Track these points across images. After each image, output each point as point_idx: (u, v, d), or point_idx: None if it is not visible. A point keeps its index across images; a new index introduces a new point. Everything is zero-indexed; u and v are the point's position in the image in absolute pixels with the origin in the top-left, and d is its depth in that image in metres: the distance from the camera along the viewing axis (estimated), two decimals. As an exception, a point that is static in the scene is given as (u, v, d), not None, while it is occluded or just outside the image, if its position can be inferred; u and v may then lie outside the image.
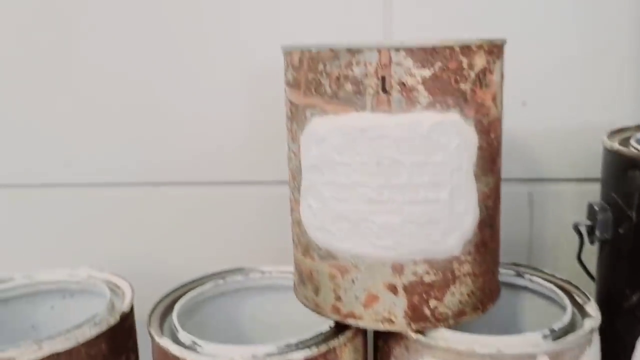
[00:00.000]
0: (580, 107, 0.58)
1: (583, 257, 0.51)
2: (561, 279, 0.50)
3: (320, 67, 0.41)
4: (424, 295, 0.42)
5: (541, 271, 0.51)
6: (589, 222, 0.46)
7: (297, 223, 0.46)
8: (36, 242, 0.69)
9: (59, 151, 0.66)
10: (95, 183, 0.67)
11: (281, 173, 0.54)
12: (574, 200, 0.60)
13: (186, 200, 0.66)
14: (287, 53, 0.44)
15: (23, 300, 0.56)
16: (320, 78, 0.41)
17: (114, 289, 0.54)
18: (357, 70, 0.39)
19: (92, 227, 0.68)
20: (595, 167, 0.58)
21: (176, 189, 0.66)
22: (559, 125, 0.59)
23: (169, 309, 0.50)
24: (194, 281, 0.54)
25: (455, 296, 0.43)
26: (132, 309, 0.51)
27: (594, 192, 0.57)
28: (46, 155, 0.67)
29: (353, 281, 0.43)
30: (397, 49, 0.38)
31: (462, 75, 0.39)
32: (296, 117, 0.44)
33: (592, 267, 0.52)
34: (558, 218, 0.60)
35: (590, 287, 0.50)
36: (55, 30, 0.63)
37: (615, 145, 0.44)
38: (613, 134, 0.48)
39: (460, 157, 0.40)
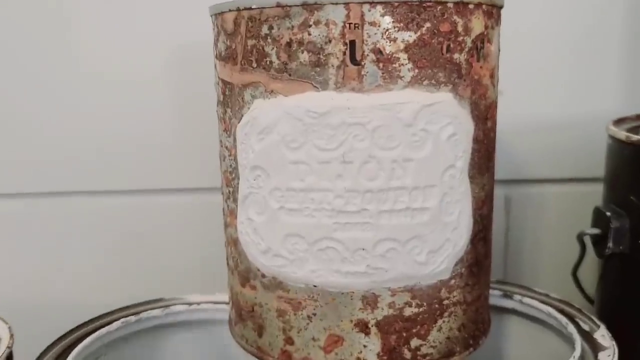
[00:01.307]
0: (565, 98, 0.50)
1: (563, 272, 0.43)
2: (558, 300, 0.41)
3: (264, 30, 0.30)
4: (404, 334, 0.32)
5: (532, 290, 0.43)
6: (597, 231, 0.38)
7: (233, 242, 0.35)
8: None
9: None
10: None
11: (214, 178, 0.43)
12: (558, 204, 0.52)
13: (89, 212, 0.53)
14: (218, 14, 0.32)
15: None
16: (264, 46, 0.30)
17: (-14, 333, 0.40)
18: (315, 33, 0.29)
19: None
20: (584, 166, 0.51)
21: (76, 199, 0.52)
22: (541, 118, 0.51)
23: (63, 357, 0.38)
24: (97, 319, 0.42)
25: (442, 332, 0.33)
26: (10, 360, 0.38)
27: (585, 195, 0.49)
28: None
29: (309, 318, 0.33)
30: (372, 3, 0.28)
31: (457, 42, 0.29)
32: (231, 100, 0.33)
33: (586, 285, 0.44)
34: (538, 225, 0.52)
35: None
36: None
37: (635, 137, 0.35)
38: (617, 123, 0.40)
39: (455, 152, 0.30)
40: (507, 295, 0.42)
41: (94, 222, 0.53)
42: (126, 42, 0.50)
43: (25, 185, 0.52)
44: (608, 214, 0.36)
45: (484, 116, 0.32)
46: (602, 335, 0.37)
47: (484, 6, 0.30)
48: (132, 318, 0.42)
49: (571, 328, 0.37)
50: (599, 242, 0.38)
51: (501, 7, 0.32)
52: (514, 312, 0.42)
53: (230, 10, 0.31)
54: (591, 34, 0.49)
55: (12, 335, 0.40)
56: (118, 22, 0.49)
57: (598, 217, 0.38)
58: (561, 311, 0.40)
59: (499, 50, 0.33)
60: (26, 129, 0.51)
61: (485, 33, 0.31)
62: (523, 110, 0.51)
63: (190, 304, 0.44)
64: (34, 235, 0.53)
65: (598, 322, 0.37)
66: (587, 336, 0.37)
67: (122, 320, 0.42)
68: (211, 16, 0.33)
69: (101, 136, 0.51)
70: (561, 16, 0.49)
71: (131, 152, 0.52)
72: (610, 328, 0.37)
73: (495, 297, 0.42)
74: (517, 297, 0.42)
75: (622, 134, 0.36)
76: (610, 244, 0.36)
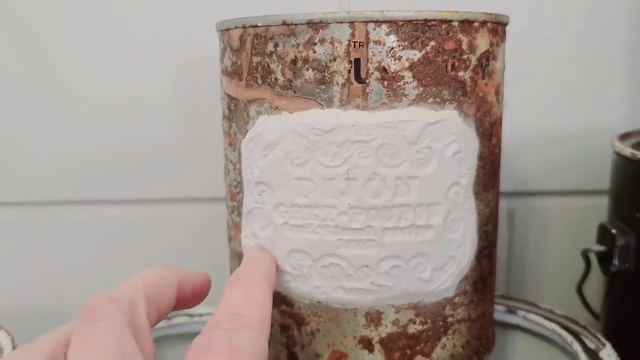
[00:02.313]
0: (570, 109, 0.50)
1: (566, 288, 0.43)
2: (563, 316, 0.41)
3: (270, 47, 0.30)
4: (408, 351, 0.32)
5: (536, 306, 0.42)
6: (602, 248, 0.37)
7: (237, 256, 0.35)
8: None
9: None
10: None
11: (218, 189, 0.43)
12: (563, 217, 0.51)
13: (92, 221, 0.53)
14: (224, 31, 0.33)
15: None
16: (269, 62, 0.30)
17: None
18: (321, 51, 0.29)
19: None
20: (589, 178, 0.50)
21: (81, 208, 0.53)
22: (546, 130, 0.50)
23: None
24: (100, 331, 0.42)
25: (446, 349, 0.33)
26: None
27: (590, 208, 0.49)
28: None
29: (313, 334, 0.32)
30: (377, 22, 0.28)
31: (461, 60, 0.29)
32: (236, 116, 0.33)
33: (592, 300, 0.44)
34: (542, 238, 0.52)
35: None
36: None
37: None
38: (622, 138, 0.40)
39: (459, 169, 0.30)
40: (511, 311, 0.42)
41: (97, 232, 0.53)
42: (135, 54, 0.50)
43: (29, 194, 0.52)
44: (613, 231, 0.36)
45: (489, 133, 0.32)
46: (608, 354, 0.36)
47: (489, 24, 0.30)
48: (136, 330, 0.42)
49: (576, 346, 0.37)
50: (604, 258, 0.38)
51: (506, 24, 0.32)
52: (518, 327, 0.42)
53: (236, 27, 0.31)
54: (596, 45, 0.49)
55: (15, 347, 0.40)
56: (126, 34, 0.50)
57: (603, 234, 0.38)
58: (566, 328, 0.39)
59: (504, 67, 0.33)
60: (30, 136, 0.52)
61: (490, 50, 0.31)
62: (527, 122, 0.50)
63: (192, 315, 0.44)
64: (36, 245, 0.53)
65: (604, 341, 0.37)
66: (592, 355, 0.37)
67: (126, 332, 0.42)
68: (218, 32, 0.34)
69: (105, 146, 0.52)
70: (566, 28, 0.49)
71: (138, 161, 0.52)
72: (616, 347, 0.37)
73: (499, 313, 0.42)
74: (522, 312, 0.42)
75: (627, 150, 0.36)
76: (615, 262, 0.36)
